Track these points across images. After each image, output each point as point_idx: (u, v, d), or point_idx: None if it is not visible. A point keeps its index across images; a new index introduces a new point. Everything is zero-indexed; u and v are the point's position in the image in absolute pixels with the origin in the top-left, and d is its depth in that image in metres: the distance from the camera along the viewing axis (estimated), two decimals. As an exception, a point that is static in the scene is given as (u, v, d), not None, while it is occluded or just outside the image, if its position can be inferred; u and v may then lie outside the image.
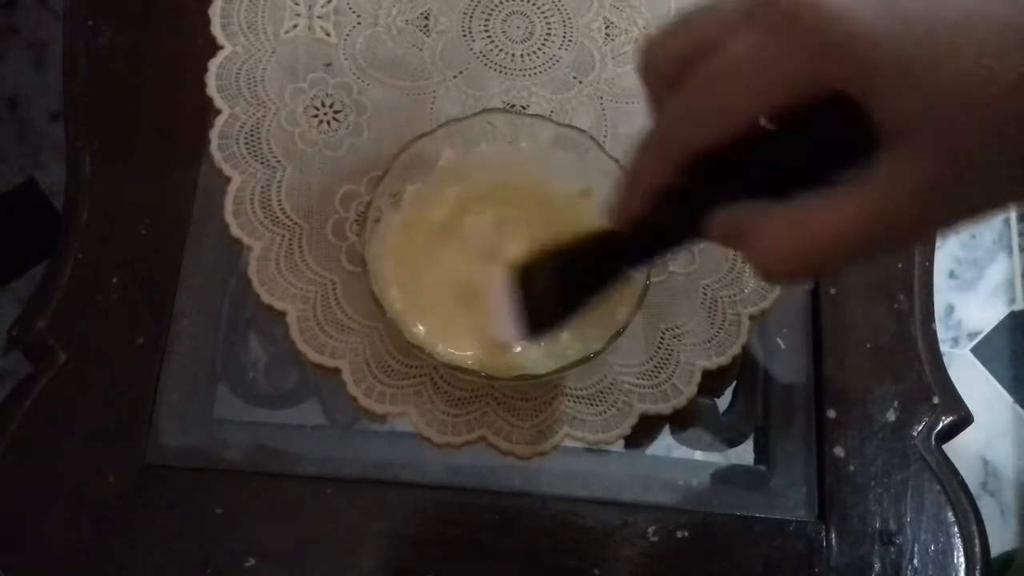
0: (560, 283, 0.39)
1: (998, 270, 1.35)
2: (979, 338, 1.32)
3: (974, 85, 0.24)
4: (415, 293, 0.46)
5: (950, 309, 1.32)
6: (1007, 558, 0.96)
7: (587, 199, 0.47)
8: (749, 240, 0.30)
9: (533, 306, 0.40)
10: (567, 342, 0.45)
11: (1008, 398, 1.29)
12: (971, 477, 0.50)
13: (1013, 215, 1.37)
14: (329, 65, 0.54)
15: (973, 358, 1.31)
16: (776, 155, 0.29)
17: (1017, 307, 1.34)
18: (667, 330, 0.50)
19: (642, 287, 0.44)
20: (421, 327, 0.46)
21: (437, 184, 0.48)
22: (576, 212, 0.47)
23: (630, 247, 0.35)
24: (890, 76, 0.24)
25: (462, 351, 0.45)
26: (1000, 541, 1.21)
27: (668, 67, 0.30)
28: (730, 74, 0.28)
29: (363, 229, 0.45)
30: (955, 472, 0.49)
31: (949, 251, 1.35)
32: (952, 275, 1.34)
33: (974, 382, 1.28)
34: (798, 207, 0.29)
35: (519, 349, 0.44)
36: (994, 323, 1.33)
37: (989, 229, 1.37)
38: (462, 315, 0.46)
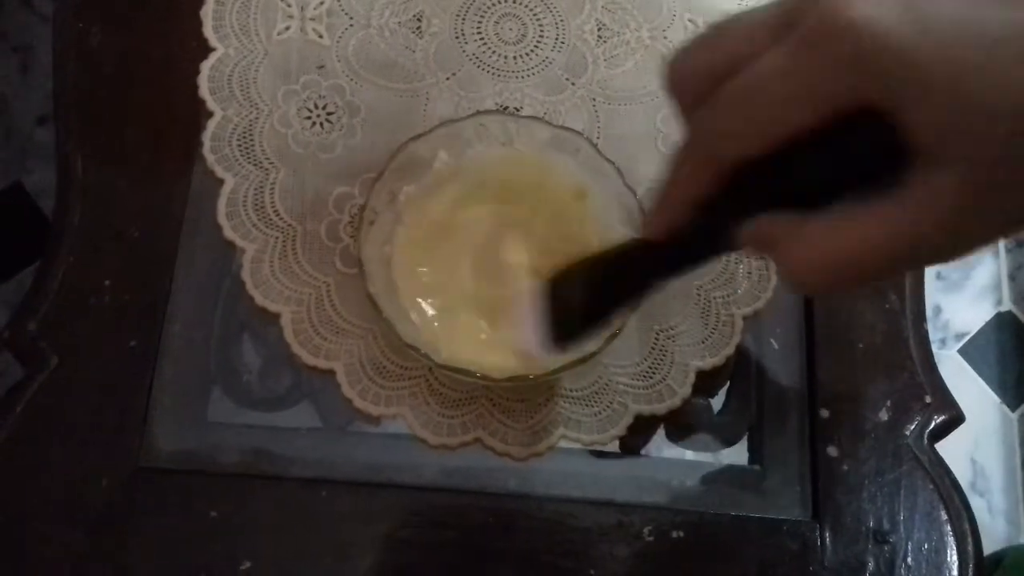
0: (588, 295, 0.39)
1: (985, 271, 1.36)
2: (966, 339, 1.33)
3: (1009, 96, 0.23)
4: (417, 292, 0.46)
5: (938, 310, 1.33)
6: (997, 557, 0.97)
7: (582, 200, 0.48)
8: (784, 250, 0.30)
9: (561, 318, 0.39)
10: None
11: (995, 398, 1.30)
12: (960, 477, 0.50)
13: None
14: (322, 67, 0.54)
15: (960, 359, 1.32)
16: (809, 168, 0.29)
17: (1004, 308, 1.35)
18: (661, 331, 0.51)
19: None
20: (435, 325, 0.46)
21: (432, 185, 0.48)
22: (571, 212, 0.48)
23: (662, 258, 0.35)
24: (924, 89, 0.24)
25: (464, 352, 0.45)
26: (990, 540, 1.21)
27: (697, 80, 0.30)
28: (762, 89, 0.28)
29: (358, 230, 0.45)
30: (947, 471, 0.50)
31: (936, 252, 1.36)
32: (939, 276, 1.35)
33: (962, 383, 1.29)
34: (834, 219, 0.28)
35: (546, 360, 0.43)
36: (981, 324, 1.34)
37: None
38: (464, 316, 0.46)
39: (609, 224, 0.46)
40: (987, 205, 0.26)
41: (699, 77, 0.30)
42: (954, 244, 0.27)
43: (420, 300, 0.46)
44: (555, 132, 0.47)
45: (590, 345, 0.43)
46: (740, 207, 0.31)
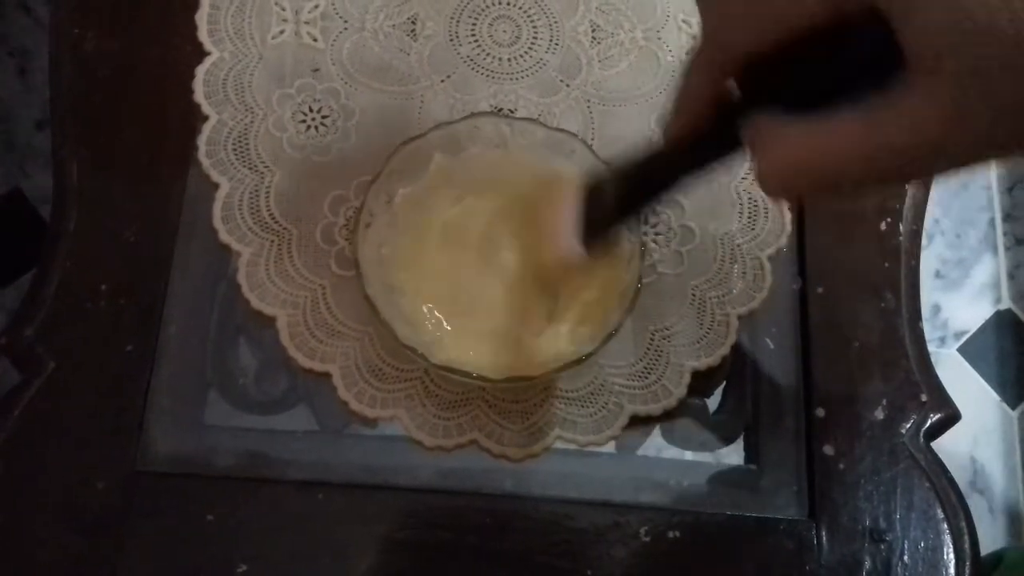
0: (621, 188, 0.40)
1: (984, 270, 1.36)
2: (965, 337, 1.33)
3: (1013, 13, 0.23)
4: (415, 294, 0.46)
5: (936, 309, 1.33)
6: (997, 556, 0.97)
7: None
8: (762, 146, 0.30)
9: (595, 216, 0.41)
10: (564, 344, 0.45)
11: (995, 396, 1.30)
12: (959, 476, 0.50)
13: (998, 215, 1.39)
14: (316, 70, 0.54)
15: (960, 357, 1.32)
16: (811, 69, 0.29)
17: (1003, 306, 1.35)
18: (656, 331, 0.51)
19: (634, 290, 0.44)
20: (431, 326, 0.46)
21: (429, 187, 0.48)
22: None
23: (686, 153, 0.36)
24: (937, 6, 0.24)
25: (462, 353, 0.45)
26: (989, 539, 1.22)
27: None
28: None
29: (354, 233, 0.45)
30: (944, 469, 0.50)
31: (935, 251, 1.36)
32: (938, 275, 1.35)
33: (961, 381, 1.29)
34: (816, 120, 0.29)
35: (578, 259, 0.43)
36: (980, 322, 1.34)
37: (975, 229, 1.38)
38: (462, 316, 0.46)
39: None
40: (975, 120, 0.25)
41: None
42: (934, 157, 0.27)
43: (417, 302, 0.46)
44: (550, 134, 0.47)
45: (587, 346, 0.43)
46: (745, 108, 0.32)
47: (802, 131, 0.29)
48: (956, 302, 1.34)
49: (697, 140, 0.35)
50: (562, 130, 0.48)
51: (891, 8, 0.25)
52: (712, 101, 0.33)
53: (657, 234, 0.52)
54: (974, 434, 1.28)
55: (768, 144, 0.30)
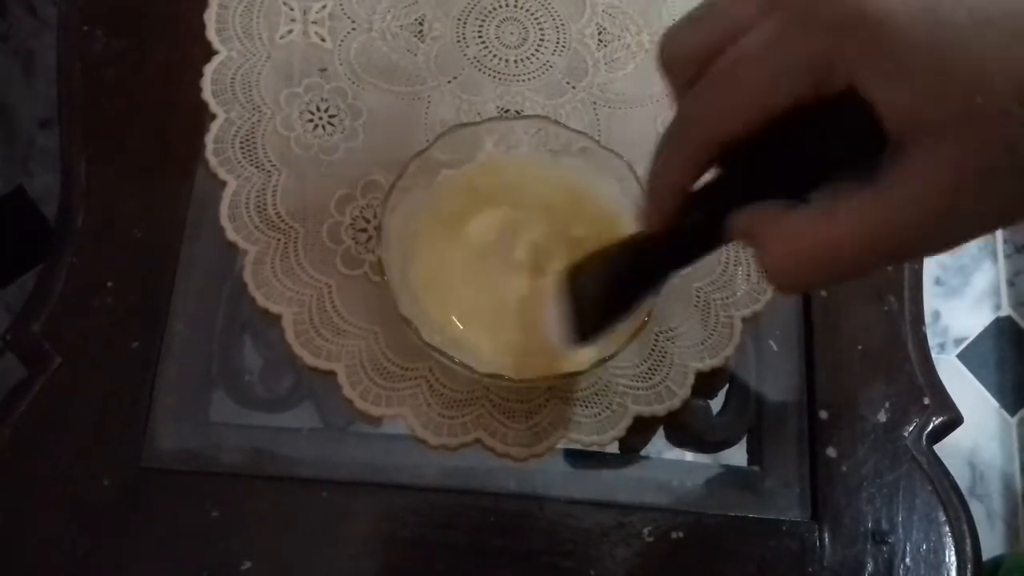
0: (606, 288, 0.39)
1: (984, 277, 1.37)
2: (965, 344, 1.33)
3: (1003, 73, 0.23)
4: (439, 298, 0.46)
5: (936, 315, 1.33)
6: (995, 563, 0.97)
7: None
8: (763, 243, 0.29)
9: (582, 311, 0.40)
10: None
11: (994, 403, 1.30)
12: (959, 482, 0.50)
13: (998, 222, 1.39)
14: (324, 70, 0.54)
15: (959, 364, 1.32)
16: (793, 152, 0.28)
17: (1003, 313, 1.35)
18: (661, 332, 0.51)
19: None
20: (460, 326, 0.46)
21: (469, 175, 0.48)
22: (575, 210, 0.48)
23: (666, 250, 0.35)
24: (913, 65, 0.24)
25: (486, 354, 0.45)
26: (988, 545, 1.21)
27: (689, 59, 0.30)
28: (750, 62, 0.27)
29: (385, 202, 0.45)
30: (946, 472, 0.50)
31: (935, 258, 1.36)
32: (938, 282, 1.36)
33: (961, 388, 1.29)
34: (813, 211, 0.28)
35: (570, 354, 0.43)
36: (980, 329, 1.34)
37: (974, 236, 1.38)
38: (486, 321, 0.46)
39: None
40: (974, 196, 0.24)
41: (693, 55, 0.30)
42: (944, 233, 0.26)
43: (441, 306, 0.46)
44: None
45: (610, 346, 0.43)
46: (728, 196, 0.30)
47: (806, 221, 0.28)
48: (956, 309, 1.35)
49: (678, 233, 0.33)
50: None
51: (870, 86, 0.25)
52: (687, 189, 0.31)
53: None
54: (973, 440, 1.28)
55: (771, 237, 0.29)
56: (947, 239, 0.26)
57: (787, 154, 0.29)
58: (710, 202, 0.31)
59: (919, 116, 0.24)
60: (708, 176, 0.32)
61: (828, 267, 0.28)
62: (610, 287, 0.39)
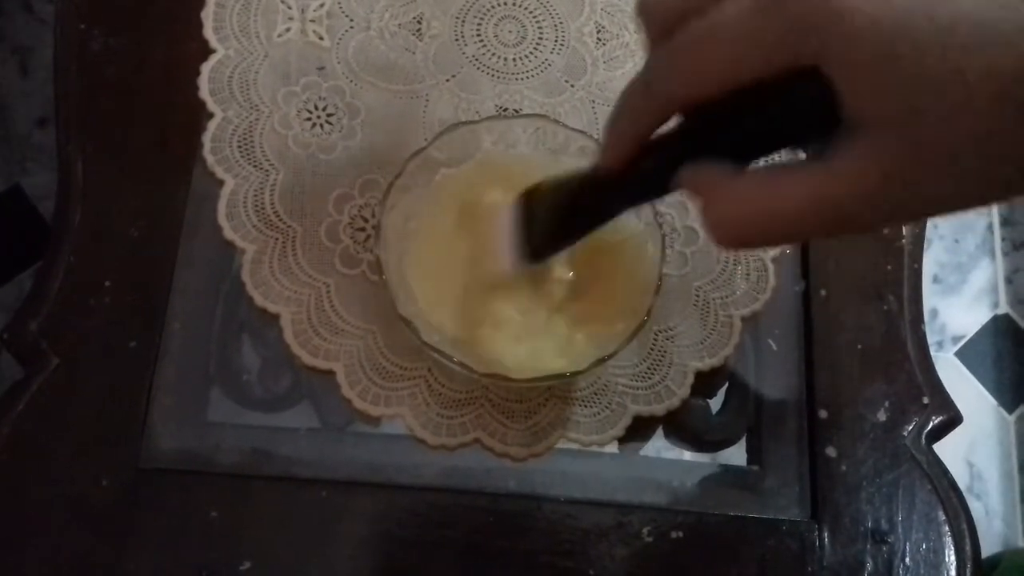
0: (558, 213, 0.41)
1: (981, 275, 1.37)
2: (963, 342, 1.33)
3: (954, 81, 0.24)
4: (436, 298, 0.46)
5: (934, 313, 1.33)
6: (993, 561, 0.97)
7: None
8: (710, 200, 0.31)
9: (532, 232, 0.42)
10: (582, 345, 0.45)
11: (992, 401, 1.31)
12: (956, 480, 0.50)
13: (996, 220, 1.39)
14: (322, 68, 0.54)
15: (957, 362, 1.32)
16: (751, 120, 0.30)
17: (1000, 311, 1.35)
18: (660, 332, 0.51)
19: (654, 289, 0.44)
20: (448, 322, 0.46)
21: (468, 174, 0.48)
22: None
23: (617, 189, 0.36)
24: (871, 60, 0.25)
25: (489, 352, 0.45)
26: (986, 544, 1.22)
27: (664, 16, 0.31)
28: (714, 35, 0.28)
29: (383, 200, 0.45)
30: (945, 471, 0.50)
31: (933, 256, 1.36)
32: (936, 279, 1.36)
33: (958, 386, 1.29)
34: (763, 176, 0.30)
35: (514, 270, 0.44)
36: (978, 327, 1.34)
37: (972, 234, 1.38)
38: (483, 321, 0.46)
39: (640, 244, 0.47)
40: (918, 181, 0.26)
41: (668, 13, 0.31)
42: (874, 215, 0.28)
43: (440, 305, 0.46)
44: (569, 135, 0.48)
45: (610, 346, 0.43)
46: (682, 150, 0.32)
47: (750, 185, 0.30)
48: (954, 307, 1.35)
49: (630, 175, 0.34)
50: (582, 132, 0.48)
51: (834, 66, 0.26)
52: (641, 139, 0.33)
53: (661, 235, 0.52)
54: (971, 439, 1.28)
55: (716, 196, 0.31)
56: (876, 219, 0.28)
57: (745, 120, 0.30)
58: (664, 152, 0.33)
59: (873, 106, 0.26)
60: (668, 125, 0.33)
61: (766, 228, 0.30)
62: (562, 214, 0.41)
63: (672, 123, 0.32)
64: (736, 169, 0.30)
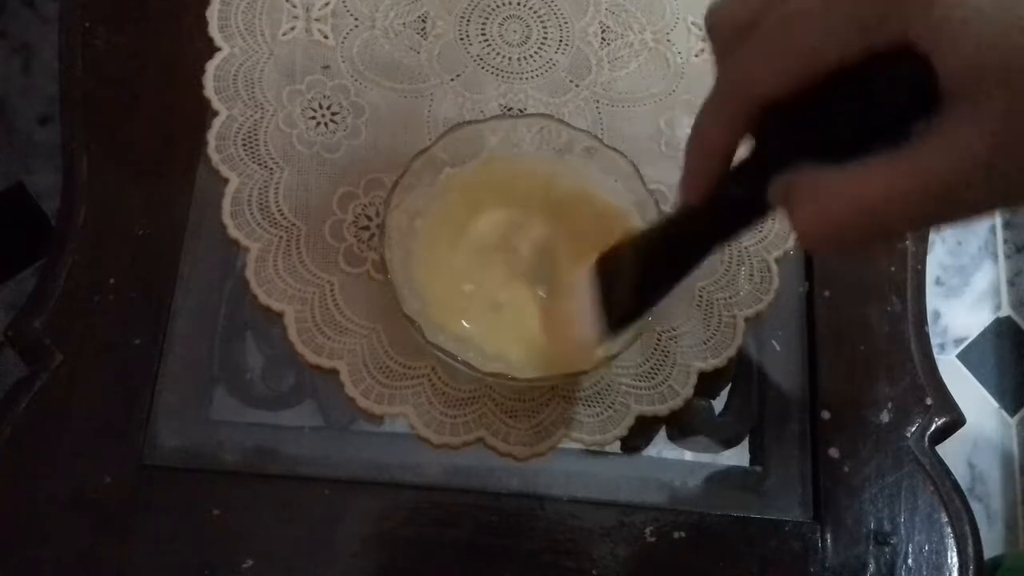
0: (639, 274, 0.38)
1: (984, 277, 1.37)
2: (965, 344, 1.33)
3: None
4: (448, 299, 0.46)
5: (936, 315, 1.33)
6: (994, 563, 0.97)
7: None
8: (798, 202, 0.29)
9: (614, 301, 0.39)
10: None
11: (994, 403, 1.30)
12: (958, 482, 0.50)
13: (998, 223, 1.39)
14: (327, 67, 0.54)
15: (959, 364, 1.32)
16: (841, 113, 0.28)
17: (1003, 313, 1.35)
18: (663, 332, 0.51)
19: None
20: (465, 324, 0.46)
21: (472, 173, 0.48)
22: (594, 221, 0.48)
23: (705, 224, 0.34)
24: (970, 20, 0.24)
25: (493, 351, 0.45)
26: (988, 546, 1.22)
27: (735, 21, 0.30)
28: (800, 19, 0.27)
29: (387, 199, 0.45)
30: (948, 473, 0.50)
31: (936, 258, 1.36)
32: (938, 281, 1.36)
33: (960, 388, 1.29)
34: (853, 167, 0.27)
35: (602, 346, 0.42)
36: (980, 329, 1.34)
37: (975, 236, 1.38)
38: (490, 315, 0.46)
39: None
40: (1016, 156, 0.24)
41: (736, 19, 0.30)
42: (982, 192, 0.26)
43: (444, 304, 0.46)
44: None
45: (614, 346, 0.43)
46: (767, 165, 0.30)
47: (844, 178, 0.27)
48: (956, 309, 1.35)
49: (718, 204, 0.32)
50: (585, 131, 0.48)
51: (928, 36, 0.25)
52: (729, 156, 0.31)
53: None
54: (973, 441, 1.28)
55: (805, 195, 0.28)
56: (984, 197, 0.26)
57: (827, 119, 0.28)
58: (748, 173, 0.31)
59: (975, 71, 0.24)
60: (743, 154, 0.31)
61: (864, 222, 0.27)
62: (645, 270, 0.38)
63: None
64: (823, 168, 0.28)
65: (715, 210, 0.33)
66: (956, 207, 0.26)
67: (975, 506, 1.27)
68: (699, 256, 0.36)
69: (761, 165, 0.30)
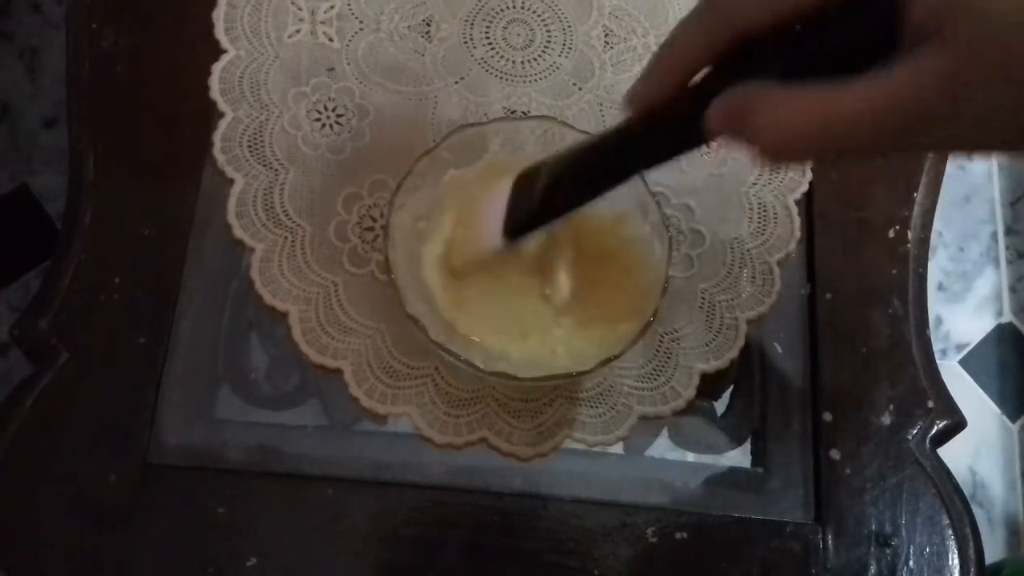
0: (548, 184, 0.39)
1: (986, 283, 1.37)
2: (967, 350, 1.33)
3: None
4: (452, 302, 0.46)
5: (938, 321, 1.33)
6: (996, 568, 0.97)
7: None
8: (757, 116, 0.29)
9: (518, 208, 0.40)
10: (588, 345, 0.45)
11: (996, 409, 1.30)
12: (960, 486, 0.50)
13: (1000, 229, 1.39)
14: (332, 70, 0.54)
15: (961, 370, 1.32)
16: (808, 48, 0.29)
17: (1004, 319, 1.35)
18: (666, 334, 0.51)
19: (660, 289, 0.44)
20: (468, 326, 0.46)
21: (478, 174, 0.48)
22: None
23: (641, 139, 0.34)
24: None
25: (496, 352, 0.45)
26: (989, 551, 1.21)
27: None
28: None
29: (392, 200, 0.45)
30: (949, 475, 0.50)
31: (938, 264, 1.36)
32: (940, 287, 1.36)
33: (962, 394, 1.28)
34: (815, 86, 0.28)
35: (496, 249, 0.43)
36: (982, 335, 1.34)
37: (977, 242, 1.38)
38: (494, 315, 0.46)
39: (647, 246, 0.47)
40: (971, 83, 0.26)
41: None
42: (933, 125, 0.27)
43: (448, 304, 0.46)
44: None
45: (616, 347, 0.43)
46: (720, 82, 0.30)
47: (805, 93, 0.29)
48: (958, 315, 1.35)
49: (657, 123, 0.33)
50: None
51: None
52: (688, 77, 0.31)
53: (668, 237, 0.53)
54: (974, 446, 1.28)
55: (765, 105, 0.29)
56: (933, 131, 0.27)
57: (792, 53, 0.29)
58: (706, 87, 0.31)
59: (939, 15, 0.26)
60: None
61: (820, 136, 0.28)
62: (554, 181, 0.39)
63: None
64: (780, 85, 0.29)
65: (651, 128, 0.33)
66: (920, 132, 0.28)
67: (977, 511, 1.26)
68: (614, 178, 0.37)
69: (716, 85, 0.31)
